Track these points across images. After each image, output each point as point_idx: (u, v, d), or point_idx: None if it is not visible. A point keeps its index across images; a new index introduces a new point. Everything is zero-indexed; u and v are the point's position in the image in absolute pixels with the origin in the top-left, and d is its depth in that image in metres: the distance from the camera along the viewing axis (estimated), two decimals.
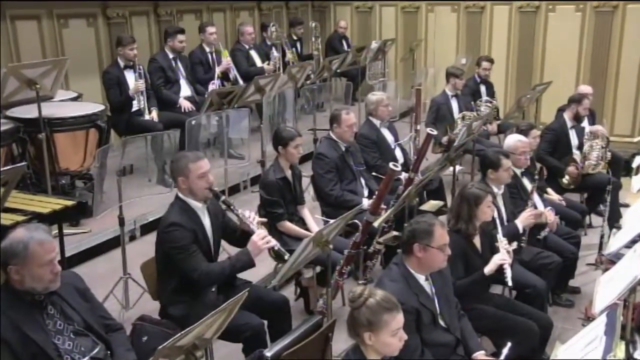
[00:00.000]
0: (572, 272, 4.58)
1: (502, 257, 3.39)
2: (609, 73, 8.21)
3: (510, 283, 3.41)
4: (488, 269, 3.38)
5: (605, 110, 8.17)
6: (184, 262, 3.15)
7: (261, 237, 3.22)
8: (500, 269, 3.39)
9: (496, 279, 3.48)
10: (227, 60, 6.78)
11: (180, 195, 3.28)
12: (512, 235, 4.03)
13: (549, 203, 4.75)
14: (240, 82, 6.77)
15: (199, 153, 3.32)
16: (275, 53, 7.72)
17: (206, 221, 3.32)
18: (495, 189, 4.12)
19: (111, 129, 5.64)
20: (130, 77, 5.81)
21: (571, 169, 5.64)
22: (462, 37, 9.11)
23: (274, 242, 3.26)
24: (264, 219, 3.40)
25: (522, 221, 4.09)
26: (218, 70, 6.74)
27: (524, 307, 3.63)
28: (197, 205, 3.26)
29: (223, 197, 3.34)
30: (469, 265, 3.42)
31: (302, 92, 6.71)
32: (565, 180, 5.64)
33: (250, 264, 3.25)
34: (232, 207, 3.33)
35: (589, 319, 3.86)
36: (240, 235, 3.43)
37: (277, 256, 3.31)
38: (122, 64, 5.81)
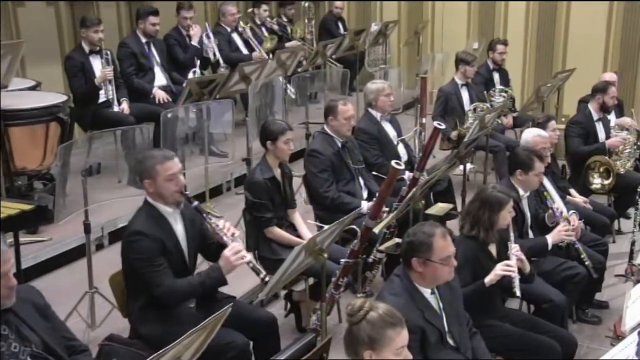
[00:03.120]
0: (599, 284, 4.59)
1: (506, 266, 3.40)
2: None
3: (518, 293, 3.42)
4: (488, 278, 3.40)
5: (636, 100, 8.19)
6: (148, 276, 3.16)
7: (234, 252, 3.21)
8: (508, 278, 3.41)
9: (505, 288, 3.49)
10: (197, 29, 6.76)
11: (149, 199, 3.28)
12: (539, 251, 4.04)
13: (572, 206, 4.76)
14: (221, 60, 6.75)
15: (167, 152, 3.32)
16: (265, 33, 7.72)
17: (179, 228, 3.31)
18: (520, 192, 4.14)
19: (75, 123, 5.61)
20: (96, 63, 5.78)
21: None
22: (474, 19, 9.12)
23: (248, 258, 3.24)
24: (237, 231, 3.37)
25: (554, 237, 4.09)
26: (195, 42, 6.73)
27: (545, 324, 3.65)
28: (167, 210, 3.26)
29: (196, 203, 3.33)
30: (480, 273, 3.43)
31: (292, 80, 6.70)
32: (597, 183, 5.61)
33: (221, 282, 3.26)
34: (204, 215, 3.33)
35: (618, 337, 3.88)
36: (216, 249, 3.42)
37: (254, 272, 3.30)
38: (86, 48, 5.78)
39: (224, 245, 3.27)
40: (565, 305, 3.90)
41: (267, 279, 3.18)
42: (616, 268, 5.10)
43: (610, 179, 5.58)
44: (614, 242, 5.58)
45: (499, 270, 3.40)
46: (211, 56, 6.94)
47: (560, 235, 4.08)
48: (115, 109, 5.83)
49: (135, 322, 3.30)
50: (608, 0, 8.21)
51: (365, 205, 4.54)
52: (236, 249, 3.21)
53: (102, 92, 5.79)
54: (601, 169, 5.62)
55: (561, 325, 3.78)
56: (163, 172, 3.20)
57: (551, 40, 8.68)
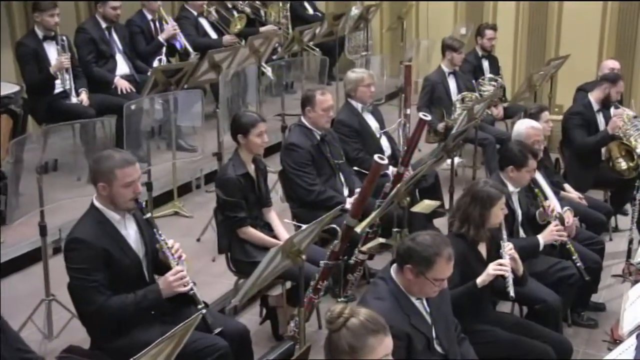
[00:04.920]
0: (596, 285, 4.65)
1: (499, 266, 3.43)
2: (638, 44, 8.33)
3: (512, 294, 3.46)
4: (480, 279, 3.43)
5: (634, 89, 8.29)
6: (80, 291, 3.15)
7: (178, 277, 3.22)
8: (501, 279, 3.45)
9: (496, 290, 3.52)
10: (172, 25, 6.72)
11: (96, 203, 3.25)
12: (530, 251, 4.08)
13: (566, 202, 4.81)
14: (192, 52, 6.73)
15: (128, 156, 3.29)
16: (235, 15, 7.69)
17: (130, 233, 3.30)
18: (511, 188, 4.18)
19: (28, 116, 5.55)
20: (51, 50, 5.72)
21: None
22: (461, 2, 9.16)
23: (191, 286, 3.26)
24: (185, 255, 3.37)
25: (546, 237, 4.14)
26: (162, 38, 6.68)
27: (538, 328, 3.69)
28: (114, 217, 3.25)
29: (149, 214, 3.32)
30: (469, 274, 3.47)
31: (262, 70, 6.67)
32: (624, 167, 5.61)
33: (159, 304, 3.26)
34: (155, 229, 3.31)
35: (616, 341, 3.94)
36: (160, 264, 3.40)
37: (192, 301, 3.30)
38: (40, 34, 5.71)
39: (168, 267, 3.28)
40: (560, 306, 3.94)
41: (204, 311, 3.19)
42: (613, 268, 5.16)
43: (635, 158, 5.60)
44: (610, 240, 5.66)
45: (491, 270, 3.43)
46: (179, 47, 6.86)
47: (552, 235, 4.13)
48: (73, 100, 5.77)
49: (94, 335, 3.28)
50: None
51: (349, 201, 4.55)
52: (180, 275, 3.22)
53: (58, 81, 5.73)
54: (622, 153, 5.66)
55: (555, 329, 3.83)
56: (122, 178, 3.17)
57: (544, 25, 8.74)
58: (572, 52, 7.37)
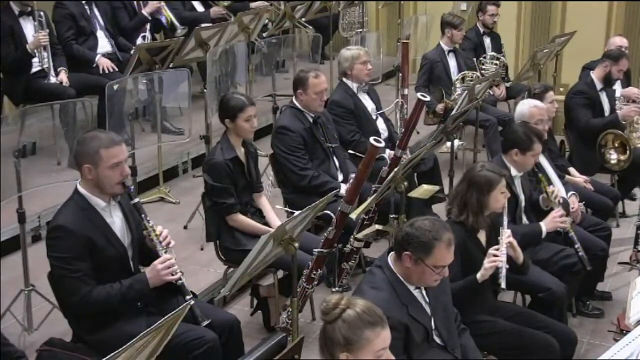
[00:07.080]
0: (602, 273, 4.67)
1: (492, 257, 3.43)
2: None
3: (503, 285, 3.46)
4: (480, 274, 3.43)
5: None
6: (61, 281, 3.15)
7: (166, 266, 3.24)
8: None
9: (491, 281, 3.54)
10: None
11: (80, 188, 3.24)
12: (532, 240, 4.10)
13: (572, 187, 4.83)
14: (179, 26, 6.69)
15: (114, 135, 3.29)
16: None
17: (115, 221, 3.30)
18: (514, 172, 4.18)
19: (4, 96, 5.52)
20: (28, 26, 5.68)
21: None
22: None
23: (178, 275, 3.28)
24: (173, 242, 3.38)
25: (548, 224, 4.15)
26: (146, 13, 6.64)
27: (541, 318, 3.71)
28: (99, 204, 3.24)
29: (137, 199, 3.31)
30: (468, 263, 3.48)
31: (257, 47, 6.65)
32: (614, 159, 5.63)
33: (146, 294, 3.28)
34: (142, 215, 3.31)
35: (622, 332, 3.96)
36: (147, 253, 3.41)
37: (179, 292, 3.32)
38: (16, 9, 5.67)
39: (156, 255, 3.29)
40: (565, 294, 3.96)
41: (192, 302, 3.19)
42: (620, 255, 5.19)
43: (627, 153, 5.57)
44: (617, 226, 5.68)
45: (487, 264, 3.42)
46: (165, 22, 6.81)
47: (555, 222, 4.14)
48: (52, 79, 5.74)
49: (76, 327, 3.28)
50: None
51: (344, 187, 4.55)
52: (169, 263, 3.24)
53: (35, 60, 5.69)
54: (616, 144, 5.65)
55: (559, 318, 3.85)
56: (108, 159, 3.16)
57: (548, 1, 8.73)
58: (578, 29, 7.37)
